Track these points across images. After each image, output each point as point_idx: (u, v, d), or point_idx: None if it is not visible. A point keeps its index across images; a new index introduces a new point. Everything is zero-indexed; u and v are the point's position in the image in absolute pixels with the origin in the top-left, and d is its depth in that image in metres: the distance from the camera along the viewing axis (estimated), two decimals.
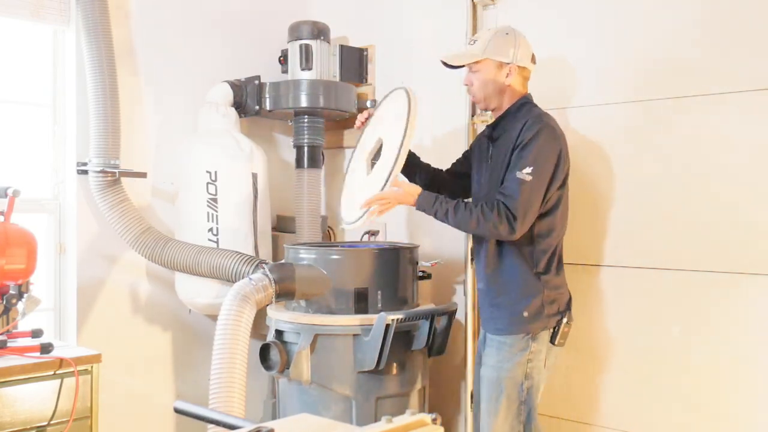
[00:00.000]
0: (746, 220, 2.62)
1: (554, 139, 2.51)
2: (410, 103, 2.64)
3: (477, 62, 2.60)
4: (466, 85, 2.68)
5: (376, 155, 2.77)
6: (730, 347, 2.66)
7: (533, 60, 2.65)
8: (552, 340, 2.55)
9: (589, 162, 2.95)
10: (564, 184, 2.57)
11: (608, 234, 2.93)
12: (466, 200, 2.54)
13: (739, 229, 2.63)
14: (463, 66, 2.67)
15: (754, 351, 2.61)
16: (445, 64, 2.69)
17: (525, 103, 2.61)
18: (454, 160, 2.96)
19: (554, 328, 2.55)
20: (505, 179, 2.49)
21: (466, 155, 2.91)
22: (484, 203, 2.48)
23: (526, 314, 2.50)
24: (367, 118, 2.94)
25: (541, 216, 2.51)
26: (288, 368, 2.80)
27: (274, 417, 3.12)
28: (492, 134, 2.66)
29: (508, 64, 2.58)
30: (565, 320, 2.56)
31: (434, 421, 1.38)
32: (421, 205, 2.54)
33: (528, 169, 2.43)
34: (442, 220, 2.54)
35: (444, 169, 2.96)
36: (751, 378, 2.62)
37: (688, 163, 2.74)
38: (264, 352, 2.86)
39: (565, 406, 3.01)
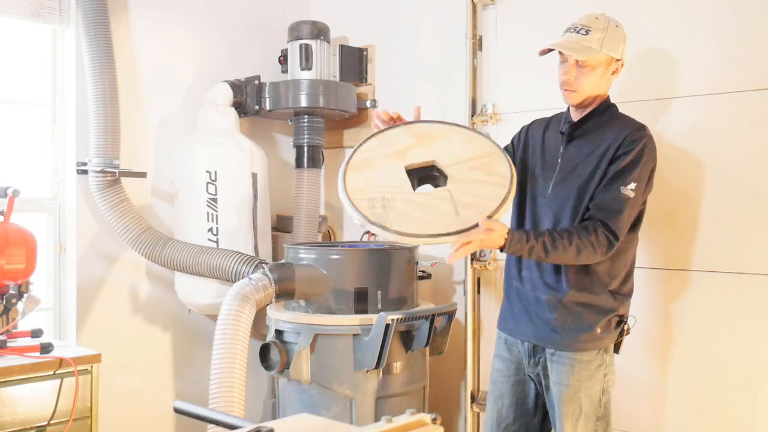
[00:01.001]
0: None
1: (655, 152, 2.37)
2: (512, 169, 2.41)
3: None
4: (565, 75, 2.39)
5: (423, 174, 2.48)
6: (724, 346, 2.64)
7: None
8: (616, 350, 2.46)
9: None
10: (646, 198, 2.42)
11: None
12: (558, 229, 2.32)
13: None
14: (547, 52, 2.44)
15: (750, 350, 2.59)
16: (543, 51, 2.44)
17: (611, 105, 2.44)
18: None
19: (618, 338, 2.44)
20: (602, 192, 2.32)
21: (510, 148, 2.66)
22: (578, 227, 2.29)
23: (599, 331, 2.38)
24: (393, 120, 2.57)
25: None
26: (288, 368, 2.80)
27: (273, 417, 3.12)
28: (573, 133, 2.44)
29: (618, 60, 2.38)
30: (627, 328, 2.45)
31: (434, 421, 1.38)
32: (512, 248, 2.26)
33: (632, 185, 2.29)
34: (538, 259, 2.34)
35: None
36: (747, 377, 2.60)
37: None
38: (264, 352, 2.86)
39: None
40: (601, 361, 2.39)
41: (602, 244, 2.27)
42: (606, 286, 2.38)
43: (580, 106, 2.44)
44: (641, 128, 2.37)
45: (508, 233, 2.25)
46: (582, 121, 2.44)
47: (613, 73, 2.39)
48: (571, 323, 2.38)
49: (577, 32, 2.37)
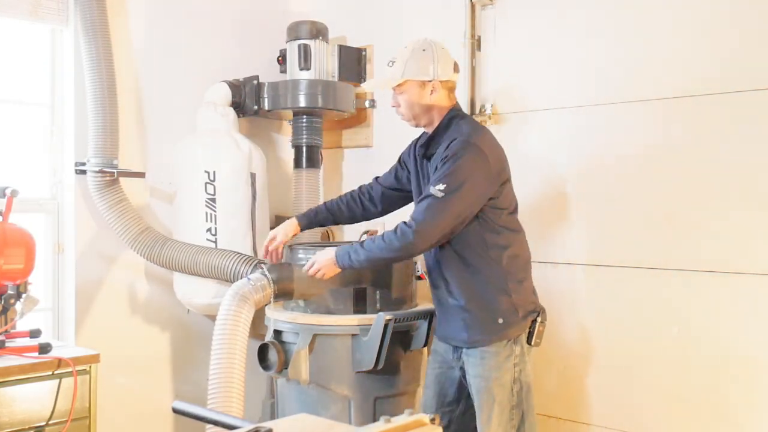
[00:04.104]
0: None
1: (478, 157, 2.43)
2: None
3: (399, 85, 2.55)
4: (394, 107, 2.62)
5: None
6: (723, 346, 2.66)
7: (456, 69, 2.59)
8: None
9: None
10: (495, 197, 2.48)
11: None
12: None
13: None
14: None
15: (748, 349, 2.61)
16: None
17: (453, 117, 2.56)
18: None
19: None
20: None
21: (397, 173, 2.86)
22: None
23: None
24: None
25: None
26: (286, 368, 2.79)
27: (272, 417, 3.13)
28: (426, 152, 2.61)
29: (430, 81, 2.52)
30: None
31: (432, 421, 1.38)
32: (343, 261, 2.52)
33: (441, 186, 2.39)
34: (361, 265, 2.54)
35: (363, 189, 2.95)
36: (745, 376, 2.62)
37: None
38: (262, 352, 2.86)
39: (561, 405, 3.01)
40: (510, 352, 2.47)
41: (398, 235, 2.42)
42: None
43: (419, 126, 2.61)
44: (468, 135, 2.45)
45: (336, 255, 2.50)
46: (430, 139, 2.58)
47: (432, 92, 2.52)
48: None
49: (388, 65, 2.58)
